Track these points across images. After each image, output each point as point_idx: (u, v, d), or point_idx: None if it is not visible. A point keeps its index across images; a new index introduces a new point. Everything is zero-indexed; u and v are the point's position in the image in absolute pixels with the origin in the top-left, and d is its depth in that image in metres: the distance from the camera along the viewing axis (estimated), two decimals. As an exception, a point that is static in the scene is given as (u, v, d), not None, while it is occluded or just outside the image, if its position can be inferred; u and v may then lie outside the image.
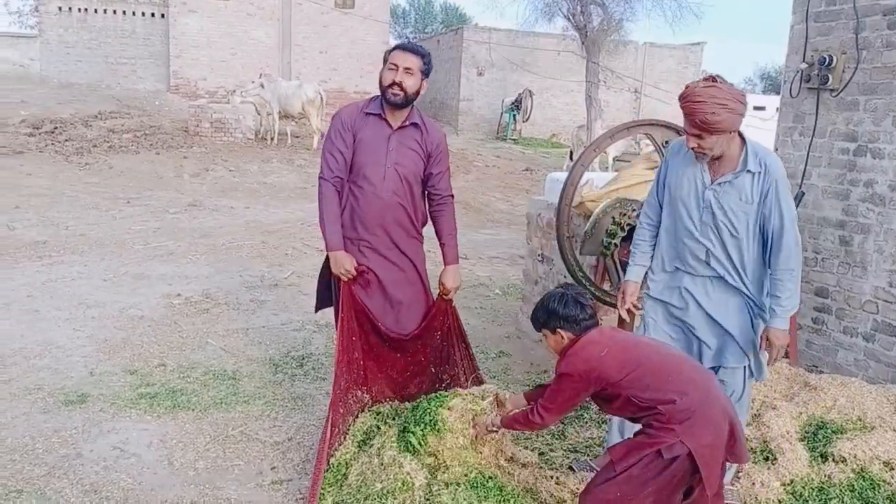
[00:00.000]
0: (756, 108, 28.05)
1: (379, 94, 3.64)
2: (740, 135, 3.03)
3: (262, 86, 16.08)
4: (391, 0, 25.34)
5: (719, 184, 3.05)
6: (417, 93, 3.59)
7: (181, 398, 4.37)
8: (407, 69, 3.52)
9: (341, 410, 3.53)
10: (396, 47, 3.65)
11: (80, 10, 21.23)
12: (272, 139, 16.15)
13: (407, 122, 3.64)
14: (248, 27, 22.15)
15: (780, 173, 3.02)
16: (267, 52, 22.44)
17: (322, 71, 22.79)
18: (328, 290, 3.95)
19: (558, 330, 2.81)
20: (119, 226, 9.02)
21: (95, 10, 21.40)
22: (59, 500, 3.30)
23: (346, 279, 3.60)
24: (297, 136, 17.19)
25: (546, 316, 2.84)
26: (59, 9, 21.07)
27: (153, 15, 21.82)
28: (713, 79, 2.93)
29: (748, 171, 3.01)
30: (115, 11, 21.56)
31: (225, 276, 7.04)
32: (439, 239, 3.85)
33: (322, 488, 3.21)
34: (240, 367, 4.90)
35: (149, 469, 3.62)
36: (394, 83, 3.51)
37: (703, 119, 2.88)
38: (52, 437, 3.84)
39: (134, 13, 21.73)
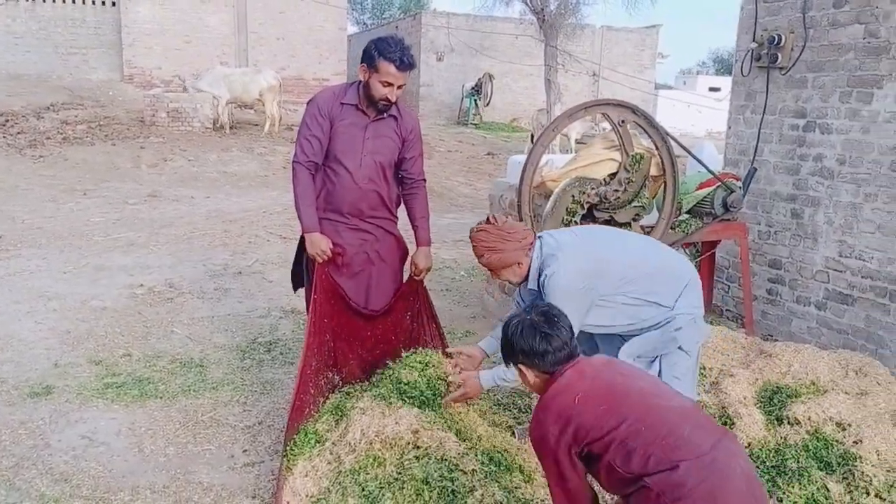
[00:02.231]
0: (711, 88, 28.57)
1: (354, 83, 3.67)
2: (541, 247, 2.97)
3: (181, 81, 16.02)
4: (348, -14, 25.10)
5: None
6: None
7: (148, 387, 4.36)
8: (400, 87, 3.56)
9: (312, 392, 3.57)
10: (391, 60, 3.48)
11: (27, -1, 20.64)
12: (223, 128, 15.95)
13: (384, 114, 3.68)
14: (203, 14, 21.74)
15: (549, 288, 2.86)
16: (222, 40, 22.07)
17: (279, 58, 22.50)
18: (302, 270, 3.98)
19: (520, 367, 2.30)
20: (77, 218, 8.87)
21: (43, 0, 20.82)
22: (30, 490, 3.29)
23: (320, 260, 3.64)
24: (256, 125, 17.02)
25: (505, 350, 2.34)
26: (5, -2, 20.46)
27: (104, 3, 21.27)
28: (487, 220, 3.05)
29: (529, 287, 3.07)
30: (63, 0, 21.00)
31: (187, 265, 6.99)
32: (412, 221, 3.92)
33: (291, 458, 3.26)
34: (207, 355, 4.89)
35: (119, 457, 3.62)
36: (387, 98, 3.55)
37: (481, 263, 3.05)
38: (18, 429, 3.81)
39: (84, 1, 21.18)
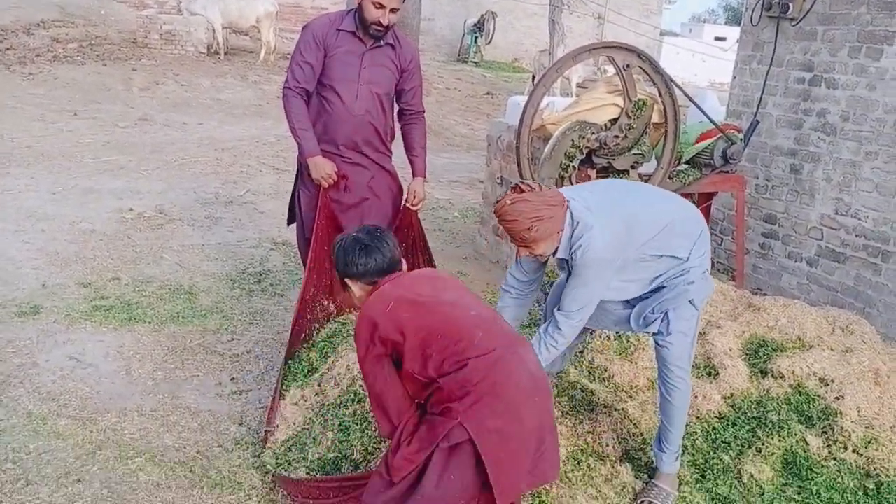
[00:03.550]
0: (717, 38, 28.13)
1: (352, 10, 3.57)
2: (570, 213, 2.67)
3: (178, 2, 15.52)
4: (350, -89, 24.22)
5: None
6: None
7: (137, 311, 4.35)
8: (393, 9, 3.44)
9: (308, 317, 3.61)
10: None
11: None
12: (217, 53, 15.60)
13: (381, 42, 3.58)
14: (200, -66, 21.02)
15: (585, 260, 2.63)
16: (219, -38, 21.39)
17: (277, -16, 21.89)
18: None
19: (346, 281, 2.43)
20: (66, 139, 8.71)
21: None
22: (17, 408, 3.30)
23: (326, 184, 3.60)
24: (251, 52, 16.65)
25: (336, 266, 2.46)
26: None
27: (97, -84, 20.53)
28: (520, 189, 2.62)
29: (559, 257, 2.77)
30: (55, -89, 20.22)
31: (178, 191, 6.92)
32: (409, 152, 3.87)
33: (286, 384, 3.31)
34: (196, 283, 4.88)
35: (106, 379, 3.64)
36: (379, 22, 3.44)
37: (522, 237, 2.62)
38: (5, 348, 3.81)
39: (76, -87, 20.41)
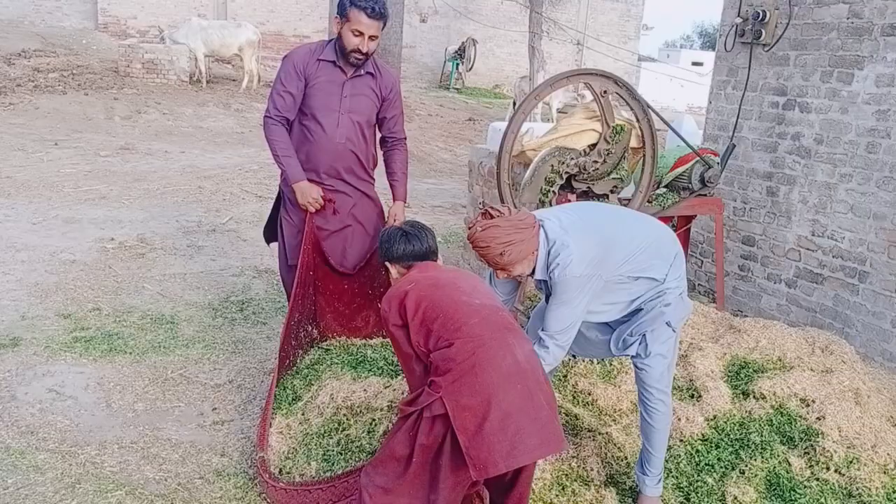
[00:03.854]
0: (694, 63, 28.51)
1: (332, 40, 3.62)
2: (545, 233, 2.71)
3: (160, 31, 15.65)
4: (332, -59, 24.53)
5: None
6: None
7: (118, 342, 4.32)
8: (372, 37, 3.49)
9: (293, 343, 3.60)
10: (362, 8, 3.45)
11: (-1, -59, 19.92)
12: (199, 82, 15.65)
13: (362, 71, 3.62)
14: (181, -36, 21.18)
15: (562, 279, 2.65)
16: (201, -9, 21.55)
17: (259, 12, 22.02)
18: (275, 224, 3.96)
19: (385, 263, 2.73)
20: (47, 168, 8.68)
21: (16, -59, 20.11)
22: (-6, 442, 3.26)
23: (312, 209, 3.62)
24: (234, 80, 16.71)
25: (380, 251, 2.75)
26: (-25, -62, 19.73)
27: (79, -53, 20.63)
28: (489, 214, 2.68)
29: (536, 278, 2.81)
30: (36, -57, 20.30)
31: (160, 220, 6.89)
32: (390, 178, 3.90)
33: (272, 411, 3.30)
34: (178, 312, 4.85)
35: (86, 411, 3.60)
36: (358, 50, 3.48)
37: (496, 262, 2.68)
38: (-16, 381, 3.76)
39: (58, -55, 20.51)
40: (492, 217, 2.67)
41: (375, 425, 3.13)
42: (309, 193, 3.60)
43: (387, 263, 2.70)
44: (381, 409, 3.20)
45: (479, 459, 2.20)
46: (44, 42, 17.73)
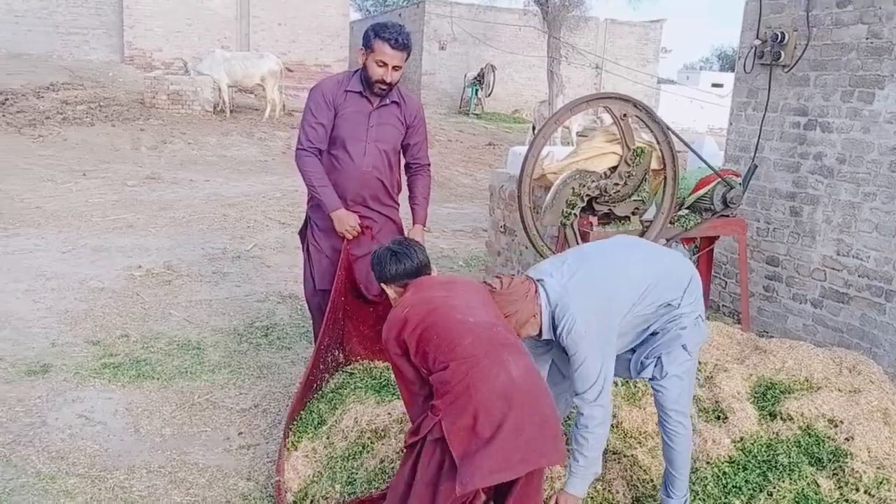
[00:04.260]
0: (714, 84, 28.52)
1: (358, 71, 3.70)
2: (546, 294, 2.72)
3: (184, 63, 16.05)
4: (351, -28, 25.00)
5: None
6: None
7: (145, 368, 4.38)
8: (395, 67, 3.57)
9: (321, 367, 3.65)
10: (385, 40, 3.53)
11: (28, -23, 20.51)
12: (223, 112, 15.92)
13: (387, 101, 3.70)
14: (205, -3, 21.67)
15: (572, 342, 2.66)
16: (224, 24, 21.97)
17: (281, 43, 22.41)
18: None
19: (381, 285, 2.72)
20: (76, 198, 8.86)
21: (45, -21, 20.71)
22: (26, 467, 3.31)
23: (350, 236, 3.70)
24: (256, 109, 16.98)
25: (374, 272, 2.75)
26: (8, -23, 20.33)
27: (106, -17, 21.19)
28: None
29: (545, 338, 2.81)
30: (65, -20, 20.89)
31: (186, 248, 7.00)
32: (412, 202, 3.97)
33: (297, 434, 3.33)
34: (204, 338, 4.91)
35: (115, 436, 3.65)
36: (382, 80, 3.56)
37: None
38: (15, 407, 3.83)
39: (86, -19, 21.08)
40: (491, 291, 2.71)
41: (400, 448, 3.15)
42: (346, 221, 3.68)
43: (382, 285, 2.72)
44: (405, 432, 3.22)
45: (463, 475, 2.24)
46: (72, 75, 18.17)
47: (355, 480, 3.08)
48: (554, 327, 2.68)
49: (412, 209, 3.98)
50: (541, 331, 2.72)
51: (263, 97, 16.72)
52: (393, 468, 3.08)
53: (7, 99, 14.50)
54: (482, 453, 2.23)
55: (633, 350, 2.93)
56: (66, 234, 7.18)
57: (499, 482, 2.32)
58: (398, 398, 3.48)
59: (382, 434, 3.26)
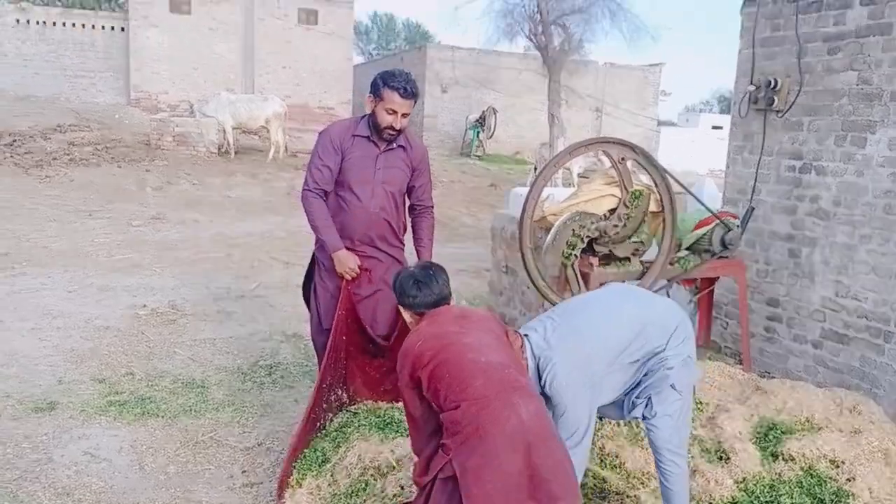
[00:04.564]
0: (714, 126, 28.83)
1: (365, 116, 3.81)
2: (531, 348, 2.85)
3: (189, 105, 16.42)
4: (354, 17, 25.51)
5: None
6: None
7: (150, 405, 4.41)
8: (404, 115, 3.69)
9: (324, 406, 3.68)
10: (395, 89, 3.66)
11: (38, 22, 20.94)
12: (228, 153, 16.14)
13: (394, 145, 3.82)
14: (211, 42, 22.10)
15: (555, 391, 2.76)
16: (229, 67, 22.41)
17: (286, 86, 22.81)
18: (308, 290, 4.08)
19: (400, 307, 2.77)
20: (82, 238, 8.96)
21: (54, 23, 21.15)
22: (32, 503, 3.33)
23: (349, 277, 3.77)
24: (261, 151, 17.20)
25: (394, 293, 2.81)
26: (17, 21, 20.77)
27: (113, 28, 21.64)
28: None
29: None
30: (73, 24, 21.34)
31: (191, 287, 7.07)
32: (416, 243, 4.05)
33: (301, 472, 3.36)
34: (208, 376, 4.95)
35: (120, 473, 3.67)
36: (391, 127, 3.69)
37: None
38: (22, 443, 3.86)
39: (94, 26, 21.53)
40: None
41: (403, 485, 3.17)
42: (346, 263, 3.76)
43: (400, 306, 2.78)
44: (409, 469, 3.24)
45: None
46: (78, 117, 18.47)
47: None
48: (539, 378, 2.77)
49: (417, 249, 4.07)
50: None
51: (268, 139, 16.96)
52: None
53: (15, 140, 14.73)
54: (499, 496, 2.25)
55: (626, 392, 2.99)
56: (71, 274, 7.26)
57: None
58: (402, 436, 3.51)
59: (386, 471, 3.29)
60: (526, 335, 2.84)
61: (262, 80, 22.75)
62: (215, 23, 22.03)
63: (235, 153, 16.27)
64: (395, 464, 3.31)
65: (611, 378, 2.87)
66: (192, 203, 12.24)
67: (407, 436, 3.49)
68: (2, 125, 15.89)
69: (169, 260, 8.14)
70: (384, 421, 3.80)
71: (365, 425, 3.74)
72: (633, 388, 2.95)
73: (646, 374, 2.92)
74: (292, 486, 3.34)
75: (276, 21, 22.59)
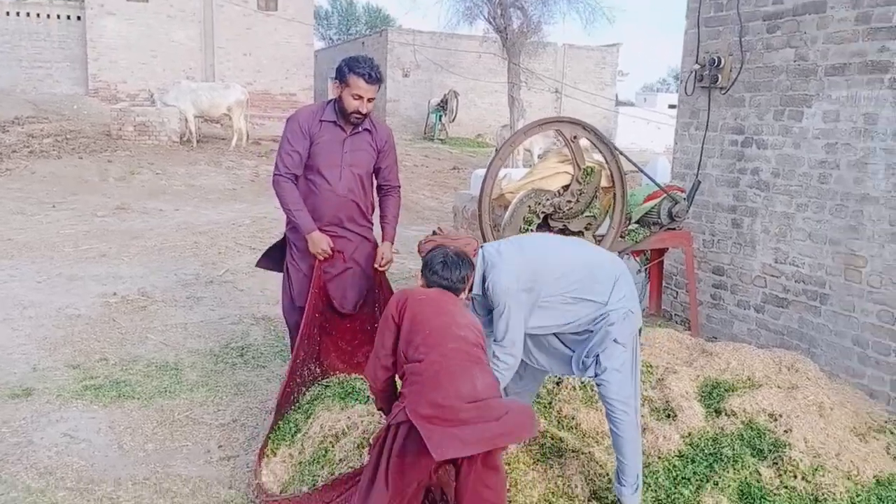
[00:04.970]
0: (671, 106, 29.28)
1: (331, 101, 3.99)
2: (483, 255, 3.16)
3: (150, 94, 16.33)
4: (314, 2, 25.37)
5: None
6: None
7: (125, 388, 4.55)
8: (370, 99, 3.86)
9: (298, 380, 3.87)
10: (360, 75, 3.82)
11: (-9, 12, 20.56)
12: (190, 142, 16.09)
13: (360, 128, 3.99)
14: (169, 29, 21.87)
15: (493, 293, 3.07)
16: (189, 55, 22.20)
17: (246, 73, 22.69)
18: (273, 261, 4.31)
19: (420, 272, 2.98)
20: (47, 230, 8.97)
21: (7, 13, 20.76)
22: (16, 483, 3.47)
23: (322, 257, 3.96)
24: (223, 139, 17.16)
25: (423, 258, 3.00)
26: (-31, 11, 20.36)
27: (69, 17, 21.31)
28: (434, 233, 3.21)
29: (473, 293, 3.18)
30: (28, 14, 20.97)
31: (159, 275, 7.17)
32: (382, 220, 4.26)
33: (276, 442, 3.56)
34: (181, 359, 5.09)
35: (100, 452, 3.82)
36: (358, 111, 3.86)
37: None
38: (1, 428, 3.99)
39: (49, 16, 21.18)
40: (435, 235, 3.15)
41: (356, 447, 3.38)
42: (320, 244, 3.94)
43: (422, 270, 2.97)
44: (363, 432, 3.46)
45: (436, 445, 2.47)
46: (36, 109, 18.23)
47: (316, 481, 3.31)
48: (483, 283, 3.08)
49: (382, 227, 4.25)
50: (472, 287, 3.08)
51: (230, 126, 16.92)
52: (350, 466, 3.30)
53: (-28, 134, 14.53)
54: (455, 429, 2.49)
55: (571, 350, 3.23)
56: (39, 265, 7.30)
57: (472, 453, 2.56)
58: (361, 403, 3.73)
59: (341, 437, 3.49)
60: (482, 247, 3.15)
61: (222, 67, 22.59)
62: (173, 10, 21.79)
63: (197, 142, 16.22)
64: (346, 430, 3.50)
65: (552, 309, 3.13)
66: (156, 192, 12.24)
67: (364, 403, 3.71)
68: (-43, 119, 15.66)
69: (135, 249, 8.20)
70: (346, 391, 3.99)
71: (330, 396, 3.94)
72: (579, 348, 3.19)
73: (591, 333, 3.15)
74: (268, 456, 3.54)
75: (235, 7, 22.41)
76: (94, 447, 3.86)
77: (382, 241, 4.25)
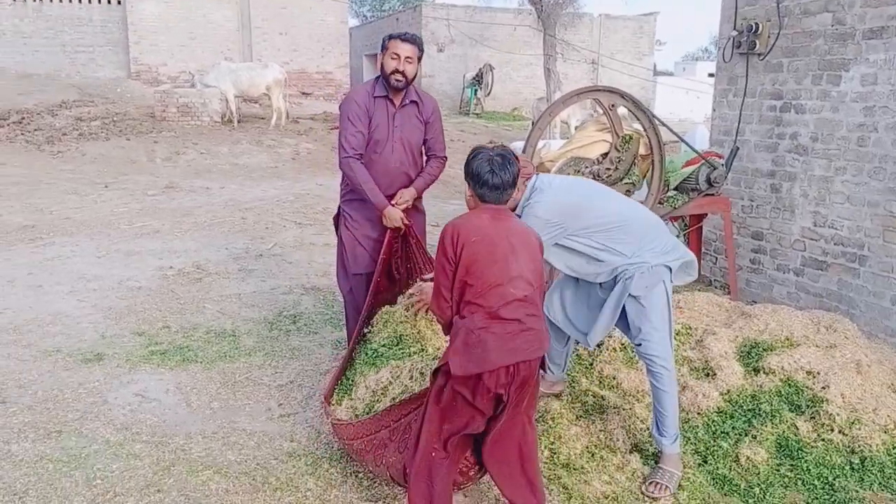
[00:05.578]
0: (710, 74, 28.84)
1: (379, 77, 4.16)
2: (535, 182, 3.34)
3: (191, 75, 16.69)
4: (348, -21, 25.49)
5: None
6: (415, 76, 4.14)
7: (189, 353, 4.83)
8: (408, 58, 4.04)
9: (359, 340, 4.12)
10: (394, 37, 4.06)
11: (34, -1, 21.07)
12: (231, 122, 16.41)
13: (407, 101, 4.17)
14: (207, 10, 22.17)
15: (526, 214, 3.26)
16: (227, 35, 22.51)
17: (283, 52, 22.93)
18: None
19: (467, 180, 2.82)
20: (101, 208, 9.34)
21: (51, 0, 21.25)
22: (96, 437, 3.76)
23: (394, 227, 4.19)
24: (262, 118, 17.46)
25: (466, 166, 2.84)
26: (13, -1, 20.90)
27: (109, 2, 21.71)
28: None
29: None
30: (70, 0, 21.43)
31: (211, 249, 7.46)
32: (418, 175, 4.37)
33: (340, 396, 3.82)
34: (238, 327, 5.36)
35: (170, 410, 4.10)
36: (396, 70, 4.03)
37: None
38: (78, 389, 4.29)
39: (90, 1, 21.62)
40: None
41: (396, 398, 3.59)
42: (394, 218, 4.15)
43: (466, 178, 2.83)
44: (402, 386, 3.67)
45: (457, 363, 2.65)
46: (81, 93, 18.72)
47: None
48: (524, 204, 3.27)
49: (416, 178, 4.38)
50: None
51: (268, 106, 17.19)
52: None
53: (23, 118, 15.02)
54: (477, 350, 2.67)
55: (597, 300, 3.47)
56: (97, 241, 7.65)
57: (490, 368, 2.68)
58: (389, 362, 3.91)
59: (384, 393, 3.70)
60: (538, 174, 3.35)
61: (259, 47, 22.87)
62: (210, -9, 22.09)
63: (238, 121, 16.54)
64: (386, 386, 3.71)
65: (565, 249, 3.35)
66: (202, 171, 12.59)
67: (398, 359, 3.89)
68: (7, 104, 16.17)
69: (187, 225, 8.52)
70: (373, 357, 4.09)
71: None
72: (623, 321, 3.42)
73: (616, 283, 3.36)
74: (334, 405, 3.79)
75: (270, -13, 22.63)
76: (164, 406, 4.14)
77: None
